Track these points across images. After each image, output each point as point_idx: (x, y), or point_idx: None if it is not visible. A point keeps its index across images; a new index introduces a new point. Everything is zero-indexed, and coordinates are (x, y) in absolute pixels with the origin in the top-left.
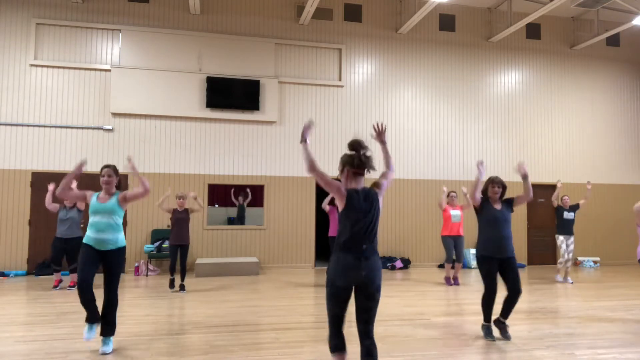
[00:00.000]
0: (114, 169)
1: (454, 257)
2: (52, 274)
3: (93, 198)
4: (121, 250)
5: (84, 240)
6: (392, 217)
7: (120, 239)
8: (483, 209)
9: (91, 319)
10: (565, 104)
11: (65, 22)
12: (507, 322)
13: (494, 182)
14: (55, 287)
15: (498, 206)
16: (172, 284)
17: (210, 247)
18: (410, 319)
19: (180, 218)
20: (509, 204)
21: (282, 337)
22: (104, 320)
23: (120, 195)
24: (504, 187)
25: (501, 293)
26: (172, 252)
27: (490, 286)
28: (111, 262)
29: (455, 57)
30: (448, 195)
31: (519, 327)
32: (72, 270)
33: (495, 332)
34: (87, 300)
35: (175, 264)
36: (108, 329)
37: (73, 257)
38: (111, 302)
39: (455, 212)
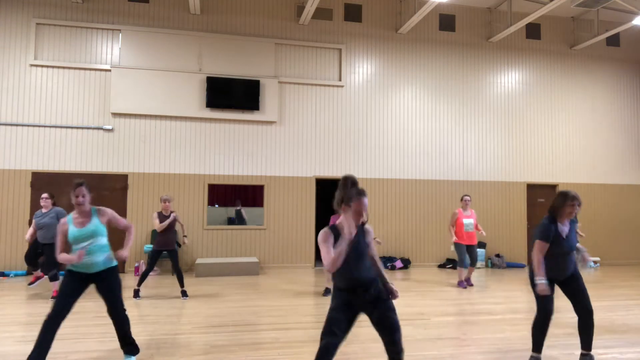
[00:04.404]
0: (86, 186)
1: (470, 260)
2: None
3: (69, 226)
4: (114, 269)
5: (68, 267)
6: (392, 217)
7: (110, 257)
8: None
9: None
10: (565, 104)
11: (65, 22)
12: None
13: (574, 199)
14: (31, 283)
15: (565, 230)
16: (136, 294)
17: (210, 247)
18: (410, 319)
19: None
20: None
21: (282, 337)
22: (124, 341)
23: (101, 215)
24: (579, 204)
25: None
26: (153, 258)
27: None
28: (105, 283)
29: (455, 57)
30: (462, 200)
31: (518, 327)
32: (52, 277)
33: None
34: (47, 336)
35: (150, 271)
36: (130, 349)
37: (49, 263)
38: (123, 323)
39: (468, 221)
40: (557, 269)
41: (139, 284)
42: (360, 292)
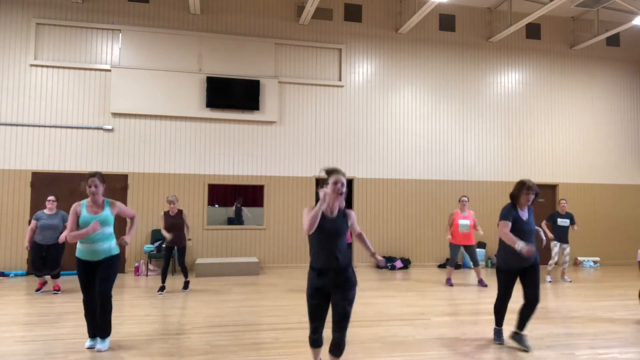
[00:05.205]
0: (99, 177)
1: (471, 262)
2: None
3: (82, 210)
4: (114, 258)
5: (77, 255)
6: (392, 217)
7: (113, 247)
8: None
9: (93, 334)
10: (565, 104)
11: (65, 22)
12: (525, 331)
13: (529, 188)
14: (38, 289)
15: (525, 215)
16: (161, 290)
17: (210, 247)
18: (410, 319)
19: (174, 223)
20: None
21: (282, 337)
22: (99, 323)
23: (112, 207)
24: (536, 193)
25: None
26: (167, 254)
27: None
28: (103, 269)
29: (455, 57)
30: (460, 201)
31: None
32: (55, 275)
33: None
34: (92, 316)
35: (168, 267)
36: (102, 332)
37: (54, 262)
38: (105, 306)
39: (463, 222)
40: (519, 256)
41: (163, 281)
42: (331, 275)
